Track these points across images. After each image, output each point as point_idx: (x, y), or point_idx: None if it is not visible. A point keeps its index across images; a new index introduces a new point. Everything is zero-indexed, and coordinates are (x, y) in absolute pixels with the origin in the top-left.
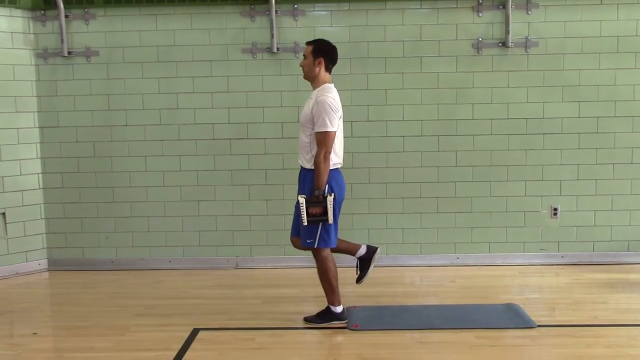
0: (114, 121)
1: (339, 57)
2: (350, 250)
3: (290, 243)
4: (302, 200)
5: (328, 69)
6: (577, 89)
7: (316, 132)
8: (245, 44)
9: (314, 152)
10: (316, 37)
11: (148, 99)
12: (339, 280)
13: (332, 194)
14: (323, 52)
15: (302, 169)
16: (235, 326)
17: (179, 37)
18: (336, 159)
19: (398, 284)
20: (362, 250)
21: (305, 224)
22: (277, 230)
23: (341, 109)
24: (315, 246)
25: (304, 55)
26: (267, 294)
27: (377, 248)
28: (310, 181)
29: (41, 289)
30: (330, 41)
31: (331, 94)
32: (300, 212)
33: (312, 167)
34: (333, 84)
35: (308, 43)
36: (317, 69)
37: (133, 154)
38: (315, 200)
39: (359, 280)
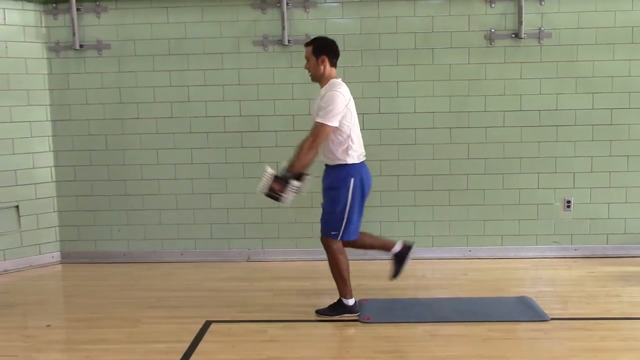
0: (126, 114)
1: (350, 49)
2: (383, 247)
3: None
4: (270, 171)
5: (333, 64)
6: (591, 80)
7: (315, 121)
8: (257, 36)
9: (332, 147)
10: (328, 30)
11: (159, 92)
12: (351, 273)
13: (302, 181)
14: (324, 49)
15: (325, 166)
16: (247, 318)
17: (190, 29)
18: (360, 150)
19: (410, 276)
20: (398, 248)
21: (259, 192)
22: (289, 223)
23: (353, 103)
24: (339, 239)
25: (305, 58)
26: (278, 286)
27: (413, 244)
28: (328, 177)
29: (54, 282)
30: (329, 36)
31: (341, 89)
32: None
33: (332, 163)
34: (341, 79)
35: (306, 44)
36: (322, 67)
37: (145, 146)
38: (283, 178)
39: (393, 277)
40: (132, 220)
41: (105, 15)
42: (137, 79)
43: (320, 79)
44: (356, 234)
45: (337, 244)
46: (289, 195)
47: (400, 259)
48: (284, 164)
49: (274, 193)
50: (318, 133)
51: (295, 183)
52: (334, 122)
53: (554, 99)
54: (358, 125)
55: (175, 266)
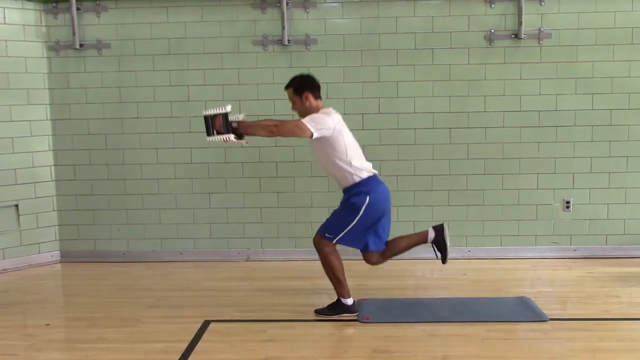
0: (126, 113)
1: (350, 49)
2: (419, 241)
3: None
4: (227, 109)
5: (317, 97)
6: (591, 81)
7: (298, 120)
8: (256, 36)
9: (340, 172)
10: (328, 30)
11: (159, 92)
12: (348, 272)
13: (237, 140)
14: (304, 86)
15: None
16: (246, 318)
17: (190, 29)
18: (365, 165)
19: (409, 276)
20: (432, 235)
21: (203, 112)
22: (288, 223)
23: (345, 125)
24: (334, 242)
25: (290, 100)
26: (277, 286)
27: (442, 224)
28: (346, 194)
29: (54, 281)
30: (309, 74)
31: (332, 115)
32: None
33: (347, 185)
34: (331, 108)
35: (286, 87)
36: (307, 103)
37: (144, 146)
38: (229, 124)
39: (444, 261)
40: (132, 219)
41: (105, 15)
42: (137, 78)
43: (308, 114)
44: (359, 245)
45: (329, 247)
46: (216, 138)
47: (440, 244)
48: (241, 116)
49: (211, 124)
50: (286, 125)
51: (231, 136)
52: (312, 128)
53: (553, 100)
54: (356, 144)
55: (175, 266)
